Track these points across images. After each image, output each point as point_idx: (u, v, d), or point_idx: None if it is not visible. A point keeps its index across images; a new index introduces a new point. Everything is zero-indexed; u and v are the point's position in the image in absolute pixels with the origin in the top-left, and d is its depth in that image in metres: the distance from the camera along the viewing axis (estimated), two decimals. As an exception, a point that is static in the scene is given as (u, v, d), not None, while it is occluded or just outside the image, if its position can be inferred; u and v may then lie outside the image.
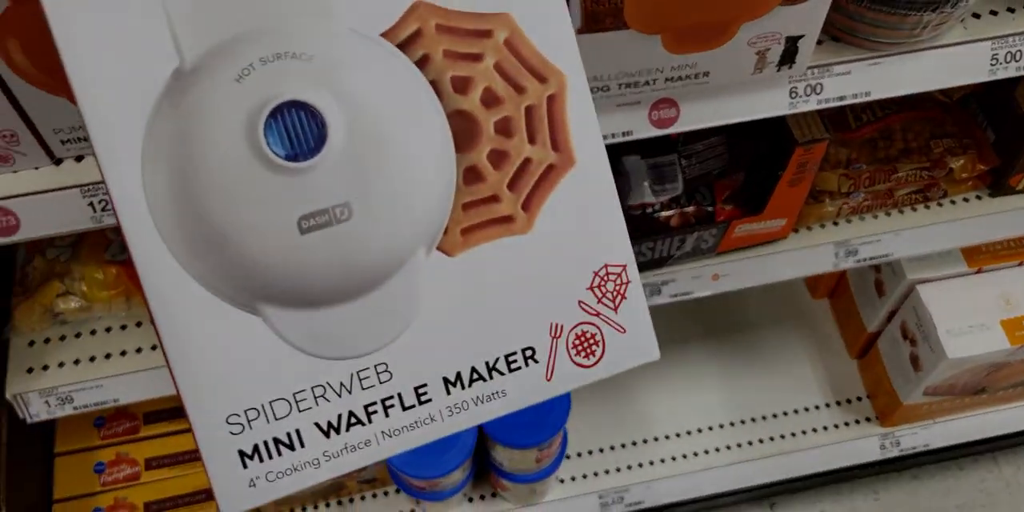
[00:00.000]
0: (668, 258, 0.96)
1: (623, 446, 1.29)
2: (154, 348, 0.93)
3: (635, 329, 0.37)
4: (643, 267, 0.96)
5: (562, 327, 0.36)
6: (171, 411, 1.04)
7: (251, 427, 0.32)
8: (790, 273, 1.04)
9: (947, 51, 0.74)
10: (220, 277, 0.31)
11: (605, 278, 0.36)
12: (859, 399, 1.34)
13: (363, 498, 1.22)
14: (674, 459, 1.28)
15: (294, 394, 0.32)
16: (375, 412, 0.33)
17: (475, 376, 0.35)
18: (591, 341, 0.36)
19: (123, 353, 0.92)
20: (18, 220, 0.67)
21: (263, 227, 0.31)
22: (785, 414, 1.33)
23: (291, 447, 0.33)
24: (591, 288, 0.36)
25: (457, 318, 0.34)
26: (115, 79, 0.29)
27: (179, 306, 0.31)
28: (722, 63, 0.67)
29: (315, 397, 0.33)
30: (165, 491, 0.97)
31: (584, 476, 1.26)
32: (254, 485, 0.33)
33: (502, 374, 0.35)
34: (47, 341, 0.94)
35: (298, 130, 0.30)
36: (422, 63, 0.31)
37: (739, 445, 1.30)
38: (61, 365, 0.92)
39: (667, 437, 1.30)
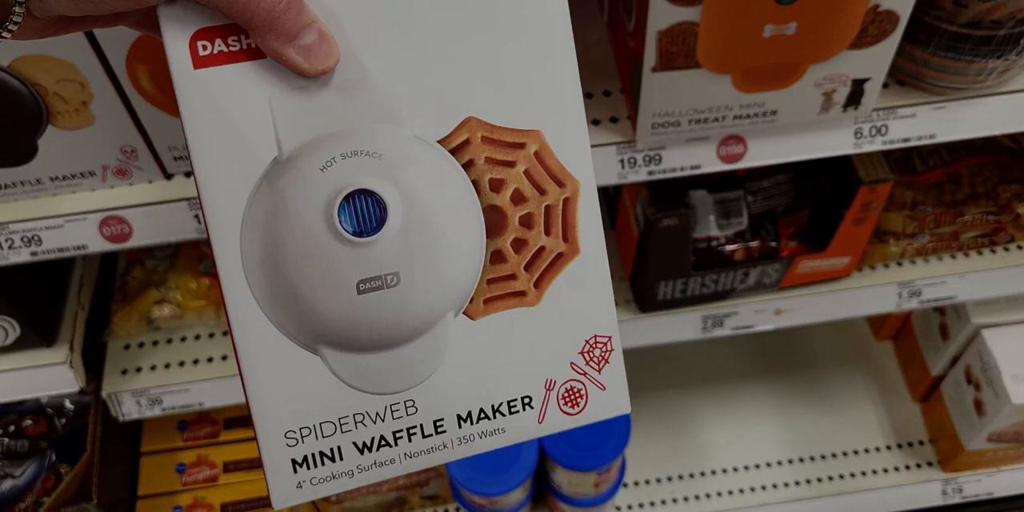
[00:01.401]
0: (731, 291, 0.99)
1: (680, 477, 1.31)
2: None
3: (613, 387, 0.46)
4: (705, 299, 0.99)
5: (555, 382, 0.45)
6: (249, 418, 1.09)
7: (303, 442, 0.42)
8: (853, 311, 1.05)
9: (1013, 97, 0.76)
10: (291, 323, 0.40)
11: (593, 345, 0.45)
12: (921, 443, 1.34)
13: (424, 514, 1.26)
14: (731, 493, 1.30)
15: (339, 419, 0.42)
16: (400, 437, 0.43)
17: (482, 415, 0.44)
18: (577, 395, 0.46)
19: (210, 360, 0.98)
20: (131, 228, 0.74)
21: (329, 287, 0.39)
22: (845, 454, 1.33)
23: (332, 460, 0.42)
24: (581, 353, 0.45)
25: (473, 368, 0.43)
26: (227, 159, 0.38)
27: (256, 342, 0.40)
28: (789, 103, 0.71)
29: (355, 422, 0.42)
30: (241, 493, 1.02)
31: (640, 505, 1.28)
32: (300, 487, 0.43)
33: (503, 415, 0.44)
34: (141, 345, 1.00)
35: (365, 212, 0.39)
36: (467, 166, 0.41)
37: (797, 483, 1.31)
38: (153, 368, 0.98)
39: (725, 471, 1.32)
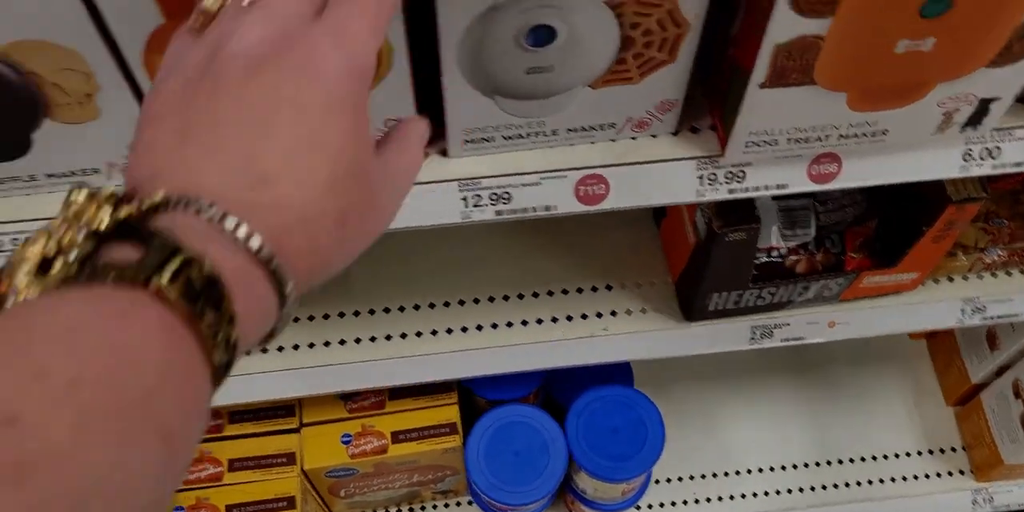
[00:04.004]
0: (787, 303, 0.91)
1: (703, 477, 1.25)
2: (312, 345, 0.90)
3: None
4: (760, 310, 0.91)
5: (632, 117, 0.66)
6: (255, 413, 1.02)
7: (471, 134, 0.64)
8: (911, 326, 0.98)
9: None
10: (481, 83, 0.59)
11: (663, 104, 0.64)
12: (953, 450, 1.28)
13: (435, 507, 1.20)
14: (755, 495, 1.24)
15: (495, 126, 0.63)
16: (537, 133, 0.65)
17: (582, 128, 0.66)
18: (645, 124, 0.65)
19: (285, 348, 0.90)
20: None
21: (510, 70, 0.58)
22: (874, 458, 1.27)
23: (488, 141, 0.65)
24: (654, 107, 0.65)
25: (583, 112, 0.64)
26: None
27: (456, 89, 0.59)
28: (904, 122, 0.62)
29: (505, 127, 0.64)
30: (248, 494, 0.95)
31: (661, 504, 1.22)
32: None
33: (597, 130, 0.66)
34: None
35: (541, 35, 0.56)
36: (619, 12, 0.55)
37: (823, 487, 1.25)
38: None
39: (749, 472, 1.26)
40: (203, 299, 0.33)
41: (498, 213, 0.67)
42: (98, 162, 0.62)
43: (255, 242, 0.36)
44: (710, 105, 0.67)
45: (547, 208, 0.67)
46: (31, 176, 0.62)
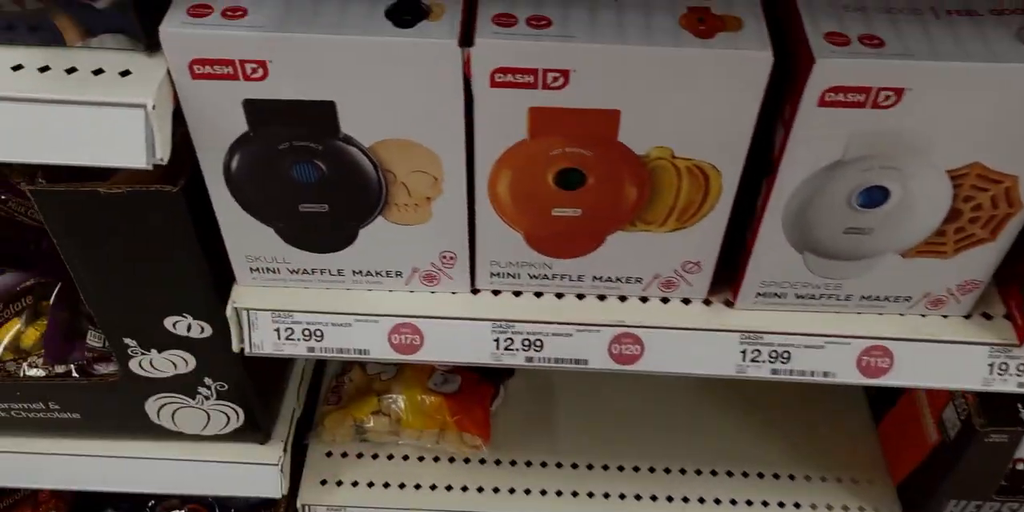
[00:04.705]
0: (1026, 524, 0.84)
1: None
2: (448, 488, 0.88)
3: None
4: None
5: (942, 290, 0.65)
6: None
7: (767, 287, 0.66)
8: None
9: None
10: (797, 238, 0.61)
11: (964, 285, 0.64)
12: None
13: None
14: None
15: (796, 282, 0.64)
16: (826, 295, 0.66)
17: (874, 298, 0.66)
18: (941, 302, 0.64)
19: (417, 486, 0.88)
20: (422, 341, 0.66)
21: (830, 227, 0.59)
22: None
23: (778, 296, 0.66)
24: (953, 286, 0.65)
25: (883, 280, 0.63)
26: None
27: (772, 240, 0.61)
28: None
29: (803, 286, 0.64)
30: None
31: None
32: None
33: (889, 302, 0.66)
34: (344, 455, 0.91)
35: (874, 196, 0.57)
36: (957, 184, 0.57)
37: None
38: (355, 484, 0.88)
39: None
40: None
41: (774, 372, 0.66)
42: (406, 265, 0.64)
43: None
44: (1002, 291, 0.66)
45: (826, 373, 0.66)
46: (339, 270, 0.65)
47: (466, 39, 0.51)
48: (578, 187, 0.58)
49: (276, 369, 0.88)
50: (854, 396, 0.97)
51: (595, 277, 0.65)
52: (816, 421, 0.95)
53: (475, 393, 0.90)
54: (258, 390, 0.79)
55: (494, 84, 0.52)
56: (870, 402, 0.96)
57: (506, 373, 0.96)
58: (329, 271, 0.65)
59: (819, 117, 0.52)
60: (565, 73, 0.51)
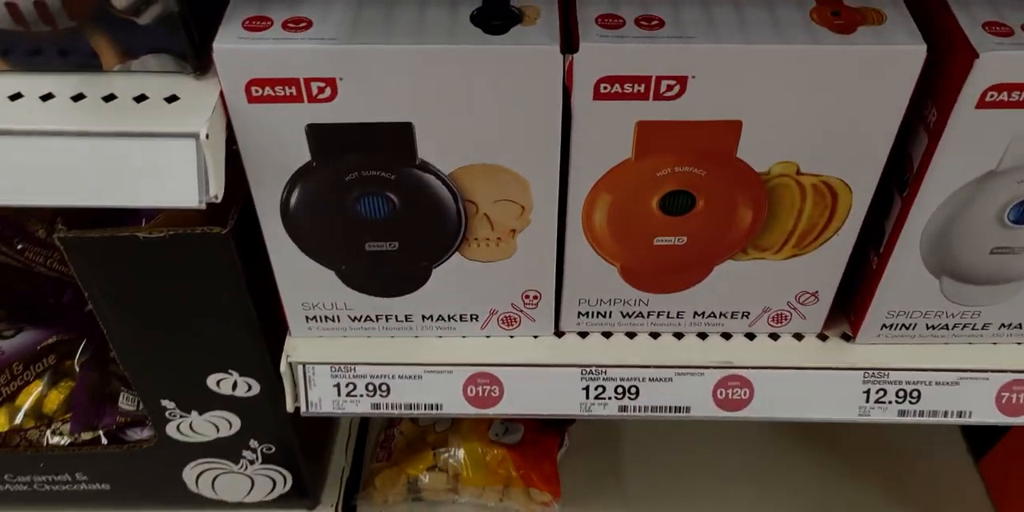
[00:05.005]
0: None
1: None
2: None
3: None
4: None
5: None
6: None
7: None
8: None
9: None
10: (935, 262, 0.53)
11: None
12: None
13: None
14: None
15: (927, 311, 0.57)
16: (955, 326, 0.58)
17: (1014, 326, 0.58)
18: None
19: (480, 552, 0.80)
20: (502, 391, 0.58)
21: (975, 248, 0.52)
22: None
23: (907, 328, 0.58)
24: None
25: None
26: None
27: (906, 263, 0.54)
28: None
29: (934, 315, 0.57)
30: None
31: None
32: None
33: None
34: (397, 517, 0.83)
35: None
36: None
37: None
38: (413, 551, 0.80)
39: None
40: None
41: (901, 413, 0.59)
42: (483, 308, 0.57)
43: None
44: None
45: (960, 413, 0.58)
46: (407, 316, 0.58)
47: (568, 44, 0.44)
48: (686, 212, 0.51)
49: (323, 425, 0.80)
50: (947, 428, 0.90)
51: (696, 313, 0.57)
52: (908, 458, 0.88)
53: (541, 443, 0.82)
54: (306, 451, 0.72)
55: (598, 96, 0.45)
56: (971, 444, 0.88)
57: (569, 419, 0.88)
58: (396, 317, 0.58)
59: (977, 120, 0.45)
60: (682, 80, 0.44)
